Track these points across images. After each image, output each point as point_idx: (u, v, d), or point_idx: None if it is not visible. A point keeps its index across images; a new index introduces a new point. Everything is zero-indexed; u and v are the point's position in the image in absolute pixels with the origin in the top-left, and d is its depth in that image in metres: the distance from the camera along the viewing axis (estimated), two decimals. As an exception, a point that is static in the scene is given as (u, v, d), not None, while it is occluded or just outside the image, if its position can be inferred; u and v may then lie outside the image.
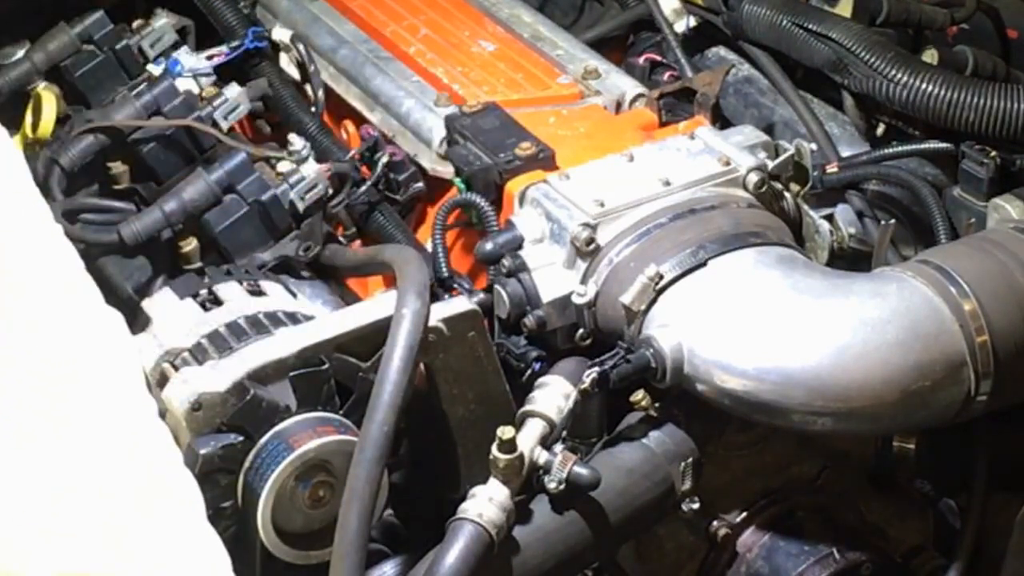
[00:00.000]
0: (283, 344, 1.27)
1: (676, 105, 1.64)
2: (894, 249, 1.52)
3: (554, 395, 1.30)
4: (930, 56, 1.72)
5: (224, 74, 1.75)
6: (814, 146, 1.58)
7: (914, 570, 1.50)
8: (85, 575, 1.08)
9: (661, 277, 1.33)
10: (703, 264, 1.34)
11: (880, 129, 1.70)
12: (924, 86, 1.54)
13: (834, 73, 1.64)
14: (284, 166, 1.60)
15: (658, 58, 1.83)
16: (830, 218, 1.54)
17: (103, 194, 1.66)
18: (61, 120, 1.75)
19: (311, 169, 1.60)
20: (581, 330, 1.40)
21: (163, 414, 1.21)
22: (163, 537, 1.13)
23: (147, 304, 1.41)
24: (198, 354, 1.30)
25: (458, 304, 1.30)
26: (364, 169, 1.65)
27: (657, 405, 1.40)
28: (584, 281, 1.38)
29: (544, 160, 1.46)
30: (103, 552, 1.09)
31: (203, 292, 1.41)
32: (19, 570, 1.06)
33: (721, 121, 1.68)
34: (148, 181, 1.66)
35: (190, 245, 1.57)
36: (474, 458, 1.31)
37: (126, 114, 1.66)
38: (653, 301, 1.33)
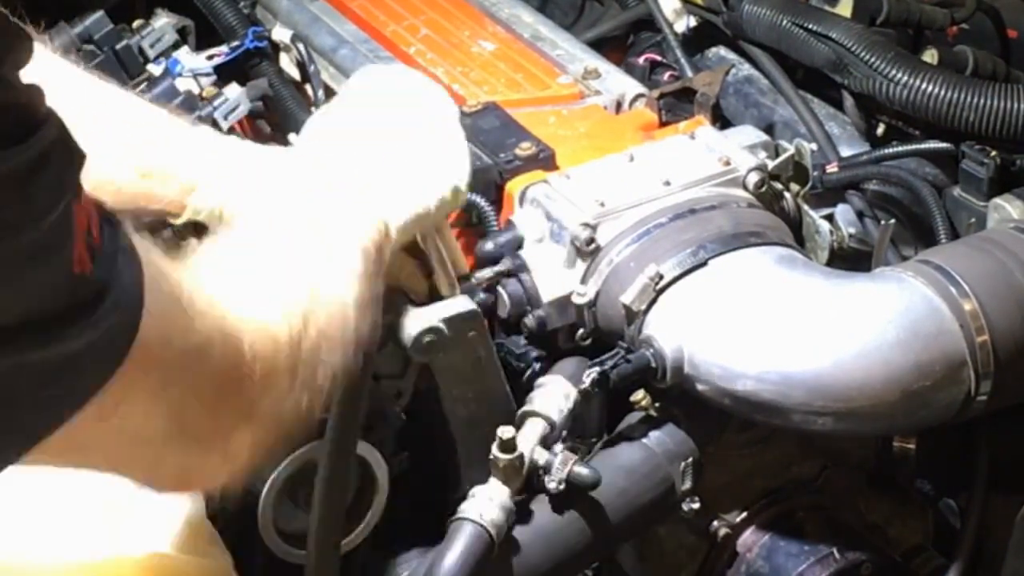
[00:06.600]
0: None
1: (676, 105, 1.63)
2: (894, 249, 1.52)
3: (554, 395, 1.31)
4: (930, 56, 1.72)
5: (224, 74, 1.74)
6: (814, 146, 1.57)
7: (914, 570, 1.50)
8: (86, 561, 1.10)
9: (661, 277, 1.33)
10: (703, 264, 1.34)
11: (880, 129, 1.70)
12: (924, 86, 1.54)
13: (834, 73, 1.64)
14: None
15: (658, 58, 1.82)
16: (830, 218, 1.54)
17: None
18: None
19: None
20: (581, 330, 1.40)
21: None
22: (164, 530, 1.14)
23: (147, 304, 1.41)
24: (198, 354, 1.30)
25: (458, 304, 1.30)
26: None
27: (657, 405, 1.40)
28: (584, 281, 1.38)
29: (544, 160, 1.46)
30: (103, 538, 1.10)
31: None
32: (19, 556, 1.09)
33: (721, 121, 1.68)
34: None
35: (191, 245, 1.57)
36: (474, 458, 1.31)
37: (126, 114, 1.66)
38: (653, 301, 1.33)
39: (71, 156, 0.74)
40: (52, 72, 1.20)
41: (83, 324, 0.74)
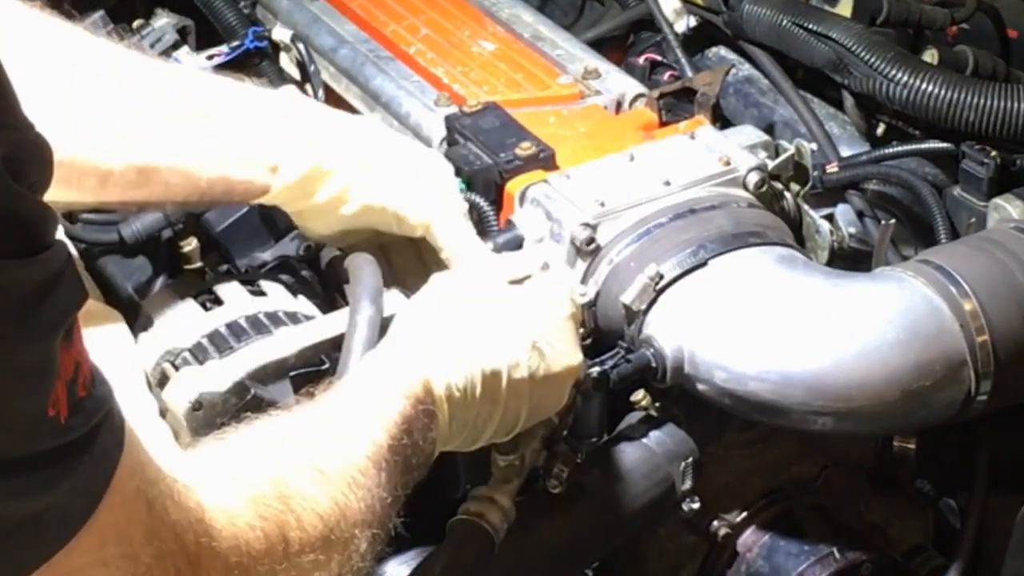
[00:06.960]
0: (283, 344, 1.27)
1: (676, 105, 1.64)
2: (894, 249, 1.52)
3: (554, 395, 1.30)
4: (930, 56, 1.72)
5: (224, 74, 1.74)
6: (814, 146, 1.58)
7: (914, 570, 1.50)
8: None
9: (661, 277, 1.33)
10: (703, 264, 1.34)
11: (880, 129, 1.70)
12: (924, 86, 1.54)
13: (834, 73, 1.64)
14: None
15: (658, 58, 1.83)
16: (830, 218, 1.54)
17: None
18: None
19: None
20: (581, 330, 1.39)
21: (163, 413, 1.21)
22: None
23: (147, 304, 1.41)
24: (198, 354, 1.30)
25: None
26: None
27: (657, 405, 1.40)
28: (584, 281, 1.38)
29: (544, 160, 1.46)
30: None
31: (203, 292, 1.41)
32: None
33: (721, 121, 1.68)
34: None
35: (190, 245, 1.56)
36: (474, 459, 1.31)
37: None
38: (653, 301, 1.33)
39: (74, 293, 0.69)
40: (53, 52, 1.19)
41: (40, 482, 0.66)
